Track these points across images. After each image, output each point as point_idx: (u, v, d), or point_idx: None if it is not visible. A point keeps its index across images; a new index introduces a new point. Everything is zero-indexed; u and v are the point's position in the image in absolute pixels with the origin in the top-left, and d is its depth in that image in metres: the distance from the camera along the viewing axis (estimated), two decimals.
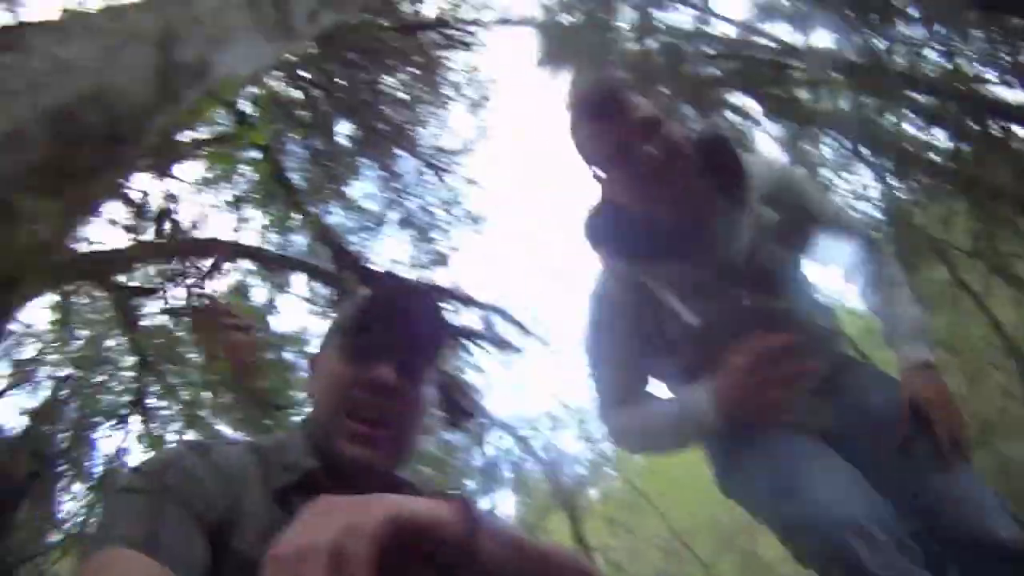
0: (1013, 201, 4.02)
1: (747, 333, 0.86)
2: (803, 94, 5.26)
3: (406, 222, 5.59)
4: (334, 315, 0.83)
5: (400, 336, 0.72)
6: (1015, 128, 4.09)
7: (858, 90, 4.94)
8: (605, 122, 0.91)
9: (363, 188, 5.97)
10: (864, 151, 5.09)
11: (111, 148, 1.26)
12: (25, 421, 4.19)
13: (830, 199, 1.22)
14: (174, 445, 0.71)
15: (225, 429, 4.96)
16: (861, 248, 1.07)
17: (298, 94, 4.99)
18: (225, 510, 0.63)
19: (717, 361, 0.87)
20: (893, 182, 4.73)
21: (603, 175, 0.97)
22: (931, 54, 4.50)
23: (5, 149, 0.94)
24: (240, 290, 4.65)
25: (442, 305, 0.81)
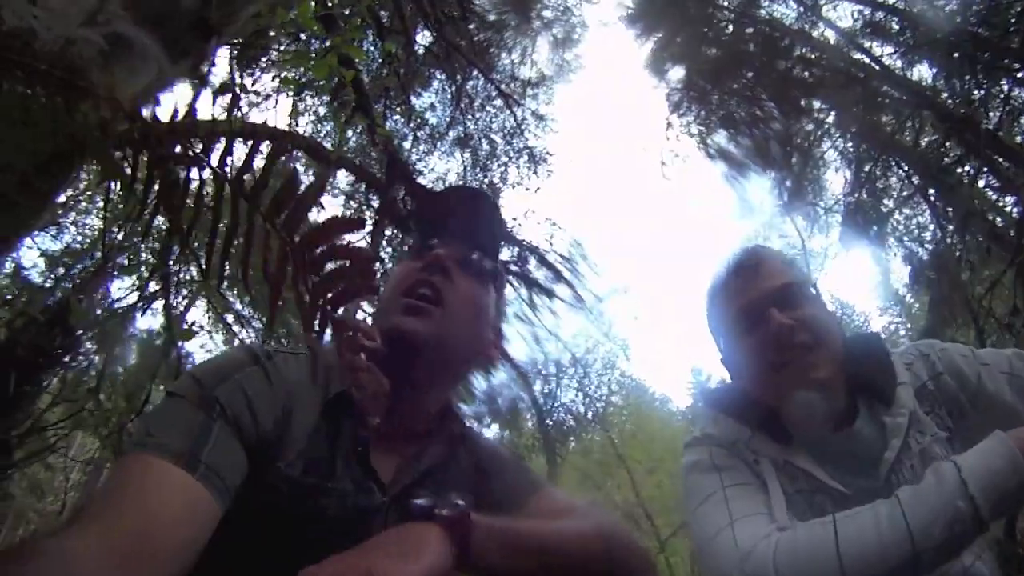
0: None
1: None
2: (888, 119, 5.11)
3: (463, 142, 5.49)
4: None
5: (455, 226, 0.76)
6: None
7: (945, 134, 4.78)
8: (740, 280, 0.88)
9: (428, 100, 5.85)
10: (932, 192, 4.96)
11: (199, 31, 1.25)
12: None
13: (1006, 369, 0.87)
14: (238, 347, 0.68)
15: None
16: None
17: None
18: (274, 426, 0.62)
19: None
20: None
21: (730, 347, 0.92)
22: None
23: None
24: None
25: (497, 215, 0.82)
